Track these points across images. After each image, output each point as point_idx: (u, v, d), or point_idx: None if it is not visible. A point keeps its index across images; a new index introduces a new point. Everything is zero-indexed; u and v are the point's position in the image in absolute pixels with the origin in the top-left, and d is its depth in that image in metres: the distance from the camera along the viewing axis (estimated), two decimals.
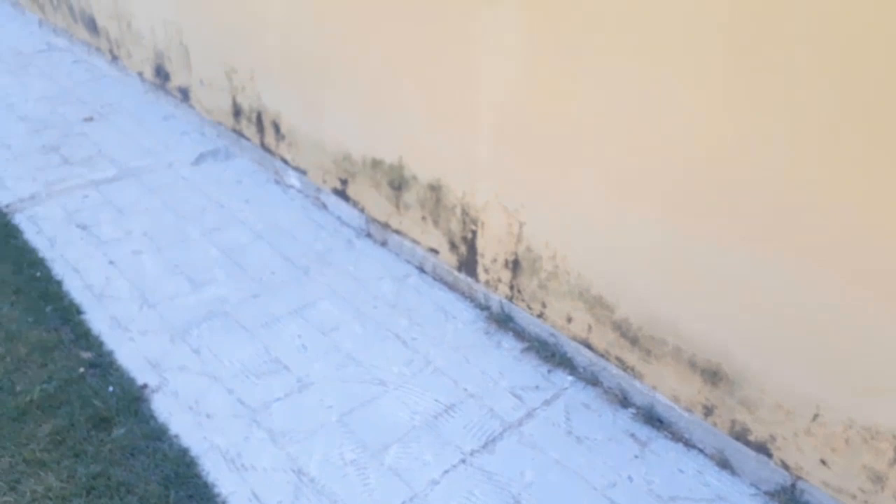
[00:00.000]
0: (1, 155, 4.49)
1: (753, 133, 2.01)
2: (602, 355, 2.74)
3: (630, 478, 2.45)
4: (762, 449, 2.34)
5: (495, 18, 2.56)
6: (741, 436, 2.38)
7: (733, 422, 2.39)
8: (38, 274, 3.34)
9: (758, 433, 2.33)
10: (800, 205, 1.98)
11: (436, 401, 2.73)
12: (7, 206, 3.92)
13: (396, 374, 2.85)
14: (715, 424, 2.45)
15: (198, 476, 2.37)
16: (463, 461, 2.49)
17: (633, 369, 2.66)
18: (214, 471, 2.41)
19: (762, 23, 1.89)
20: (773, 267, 2.10)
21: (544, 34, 2.44)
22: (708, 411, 2.46)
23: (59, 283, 3.29)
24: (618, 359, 2.69)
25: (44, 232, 3.71)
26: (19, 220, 3.80)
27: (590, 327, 2.74)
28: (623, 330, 2.61)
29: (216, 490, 2.34)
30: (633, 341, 2.60)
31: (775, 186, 2.01)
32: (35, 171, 4.32)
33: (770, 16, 1.87)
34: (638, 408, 2.70)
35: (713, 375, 2.39)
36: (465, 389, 2.79)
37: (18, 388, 2.62)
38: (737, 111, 2.02)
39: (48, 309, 3.09)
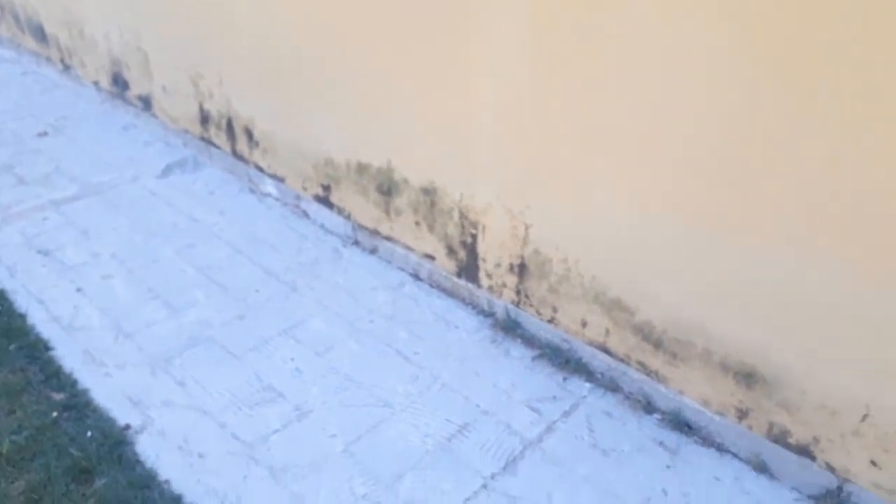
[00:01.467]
0: None
1: (787, 118, 1.84)
2: (622, 360, 2.57)
3: (665, 491, 2.28)
4: (804, 451, 2.19)
5: (495, 8, 2.36)
6: (780, 439, 2.23)
7: (771, 424, 2.24)
8: None
9: (799, 435, 2.18)
10: (847, 196, 1.82)
11: (447, 420, 2.54)
12: None
13: (402, 394, 2.65)
14: (751, 428, 2.30)
15: None
16: (484, 486, 2.30)
17: (656, 373, 2.49)
18: None
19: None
20: (816, 264, 1.94)
21: (549, 19, 2.24)
22: (742, 414, 2.30)
23: (22, 317, 3.00)
24: (639, 363, 2.52)
25: (2, 260, 3.40)
26: None
27: (607, 331, 2.57)
28: (645, 333, 2.44)
29: None
30: (657, 345, 2.43)
31: (818, 177, 1.84)
32: None
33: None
34: (664, 413, 2.53)
35: (748, 377, 2.23)
36: (478, 406, 2.60)
37: None
38: (768, 93, 1.86)
39: (12, 347, 2.80)
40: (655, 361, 2.46)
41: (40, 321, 2.99)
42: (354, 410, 2.58)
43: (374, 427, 2.51)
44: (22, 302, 3.11)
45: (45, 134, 4.72)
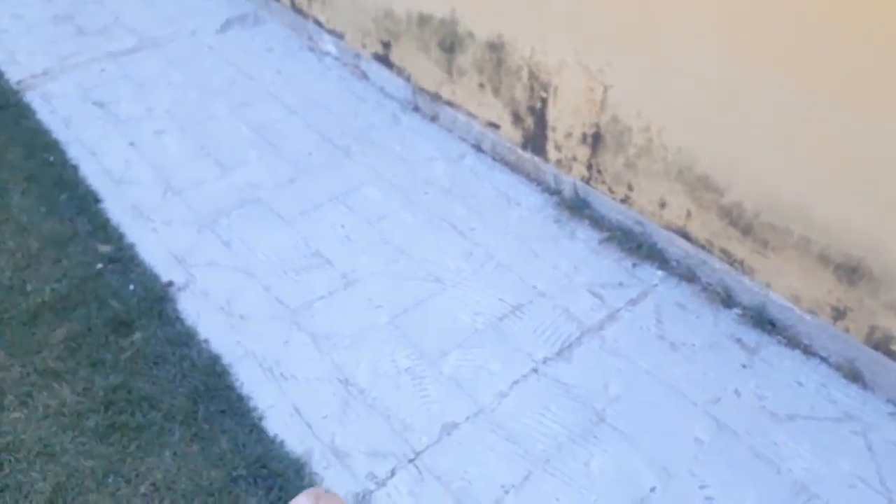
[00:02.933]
0: (12, 27, 4.05)
1: None
2: (702, 246, 2.28)
3: (737, 392, 2.05)
4: None
5: None
6: (881, 344, 1.94)
7: (872, 328, 1.94)
8: (52, 158, 2.98)
9: None
10: None
11: (501, 300, 2.35)
12: (18, 82, 3.53)
13: (454, 270, 2.46)
14: (847, 330, 2.01)
15: (231, 387, 2.07)
16: (535, 371, 2.12)
17: (741, 263, 2.19)
18: (250, 381, 2.10)
19: None
20: None
21: None
22: (839, 314, 2.00)
23: (74, 168, 2.93)
24: (723, 251, 2.23)
25: (58, 111, 3.32)
26: (31, 98, 3.42)
27: (688, 213, 2.26)
28: (733, 217, 2.13)
29: (252, 403, 2.04)
30: (746, 230, 2.12)
31: None
32: (48, 45, 3.88)
33: None
34: (745, 308, 2.26)
35: (852, 272, 1.92)
36: (535, 287, 2.39)
37: (30, 288, 2.33)
38: None
39: (63, 197, 2.75)
40: (742, 250, 2.16)
41: (92, 173, 2.92)
42: (403, 283, 2.42)
43: (423, 301, 2.35)
44: (75, 153, 3.03)
45: None
